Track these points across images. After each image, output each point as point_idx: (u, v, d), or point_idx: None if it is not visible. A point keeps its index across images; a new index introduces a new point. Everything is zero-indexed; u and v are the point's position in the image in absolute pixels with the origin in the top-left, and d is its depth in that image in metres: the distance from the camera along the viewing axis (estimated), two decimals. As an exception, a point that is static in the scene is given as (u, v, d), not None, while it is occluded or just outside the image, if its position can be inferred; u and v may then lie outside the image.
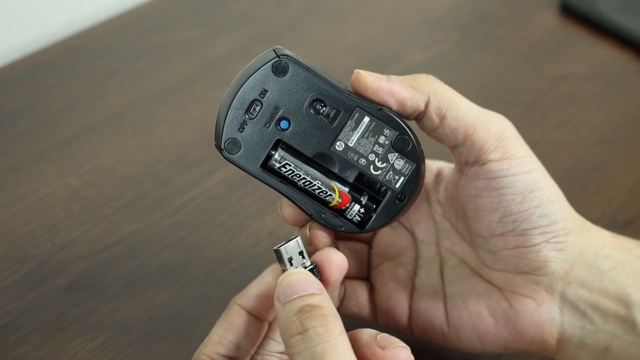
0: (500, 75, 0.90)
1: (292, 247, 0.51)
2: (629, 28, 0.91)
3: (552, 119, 0.84)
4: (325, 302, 0.48)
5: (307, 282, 0.49)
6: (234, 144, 0.52)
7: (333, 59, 0.91)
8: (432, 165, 0.60)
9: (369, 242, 0.61)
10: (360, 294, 0.60)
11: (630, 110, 0.85)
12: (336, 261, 0.52)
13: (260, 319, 0.53)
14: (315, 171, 0.53)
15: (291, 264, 0.51)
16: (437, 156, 0.62)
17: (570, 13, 0.96)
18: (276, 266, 0.54)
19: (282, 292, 0.49)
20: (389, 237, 0.60)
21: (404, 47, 0.93)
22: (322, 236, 0.55)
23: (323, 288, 0.49)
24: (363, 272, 0.61)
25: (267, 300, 0.53)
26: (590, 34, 0.93)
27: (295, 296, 0.48)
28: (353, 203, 0.54)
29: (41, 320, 0.64)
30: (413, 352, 0.54)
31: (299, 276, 0.49)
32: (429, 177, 0.59)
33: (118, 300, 0.66)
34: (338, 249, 0.60)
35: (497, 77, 0.89)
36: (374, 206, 0.54)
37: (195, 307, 0.65)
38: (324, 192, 0.53)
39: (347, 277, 0.60)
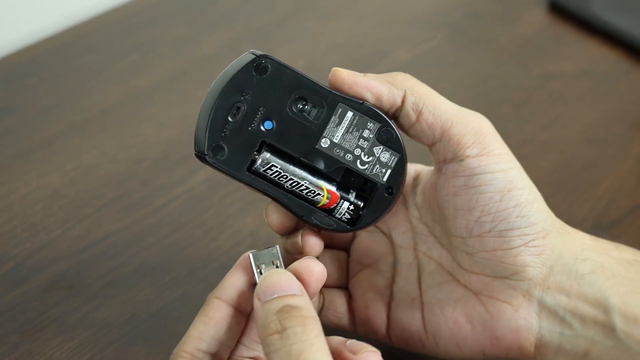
0: (490, 73, 0.89)
1: (266, 255, 0.51)
2: (618, 26, 0.91)
3: (541, 117, 0.83)
4: (305, 304, 0.48)
5: (288, 282, 0.49)
6: (219, 149, 0.51)
7: (321, 57, 0.90)
8: (410, 169, 0.59)
9: (347, 249, 0.61)
10: (339, 304, 0.59)
11: (619, 109, 0.84)
12: (316, 272, 0.51)
13: (240, 311, 0.52)
14: (301, 171, 0.53)
15: (260, 273, 0.51)
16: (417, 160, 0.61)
17: (559, 11, 0.95)
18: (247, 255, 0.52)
19: (263, 291, 0.48)
20: (367, 242, 0.60)
21: (393, 45, 0.92)
22: (315, 244, 0.54)
23: (304, 290, 0.49)
24: (342, 281, 0.60)
25: (246, 291, 0.52)
26: (580, 33, 0.93)
27: (276, 296, 0.48)
28: (342, 201, 0.53)
29: (19, 320, 0.63)
30: (393, 359, 0.53)
31: (280, 276, 0.49)
32: (406, 180, 0.59)
33: (98, 300, 0.65)
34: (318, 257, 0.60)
35: (487, 76, 0.89)
36: (362, 204, 0.54)
37: (175, 307, 0.65)
38: (312, 191, 0.53)
39: (326, 286, 0.59)
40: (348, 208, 0.53)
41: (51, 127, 0.80)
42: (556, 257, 0.54)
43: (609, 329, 0.53)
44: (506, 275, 0.54)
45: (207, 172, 0.75)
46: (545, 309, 0.54)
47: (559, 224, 0.55)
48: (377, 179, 0.53)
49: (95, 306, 0.65)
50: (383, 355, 0.60)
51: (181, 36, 0.93)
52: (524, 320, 0.54)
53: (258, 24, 0.95)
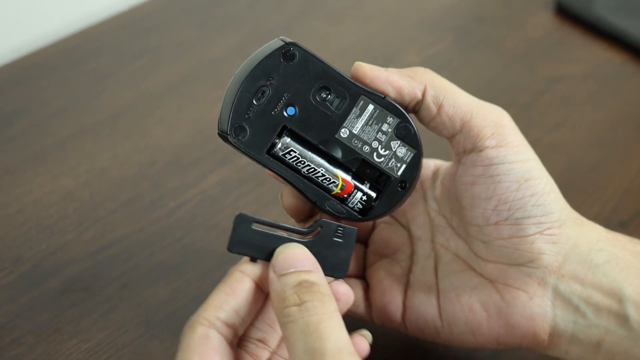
0: (496, 76, 0.90)
1: None
2: (624, 29, 0.91)
3: (548, 119, 0.84)
4: (322, 281, 0.49)
5: (305, 258, 0.50)
6: (241, 129, 0.53)
7: (329, 59, 0.89)
8: (430, 163, 0.61)
9: (365, 241, 0.61)
10: (355, 292, 0.59)
11: (625, 111, 0.85)
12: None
13: (261, 289, 0.53)
14: (319, 158, 0.54)
15: None
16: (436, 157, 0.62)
17: (565, 14, 0.96)
18: None
19: (279, 264, 0.50)
20: (385, 234, 0.61)
21: (401, 47, 0.93)
22: None
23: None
24: (359, 271, 0.61)
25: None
26: (586, 35, 0.93)
27: (293, 270, 0.49)
28: (355, 191, 0.54)
29: (36, 321, 0.64)
30: (408, 352, 0.54)
31: (297, 251, 0.50)
32: (426, 174, 0.60)
33: (113, 301, 0.65)
34: None
35: (493, 78, 0.89)
36: (375, 195, 0.55)
37: (190, 308, 0.65)
38: (327, 179, 0.54)
39: None
40: (361, 198, 0.55)
41: (63, 130, 0.81)
42: (571, 246, 0.55)
43: (622, 318, 0.54)
44: (522, 262, 0.55)
45: (219, 174, 0.76)
46: (559, 297, 0.54)
47: (575, 215, 0.56)
48: (391, 173, 0.55)
49: (110, 308, 0.65)
50: (400, 351, 0.61)
51: (189, 39, 0.93)
52: (538, 307, 0.54)
53: (265, 26, 0.95)
